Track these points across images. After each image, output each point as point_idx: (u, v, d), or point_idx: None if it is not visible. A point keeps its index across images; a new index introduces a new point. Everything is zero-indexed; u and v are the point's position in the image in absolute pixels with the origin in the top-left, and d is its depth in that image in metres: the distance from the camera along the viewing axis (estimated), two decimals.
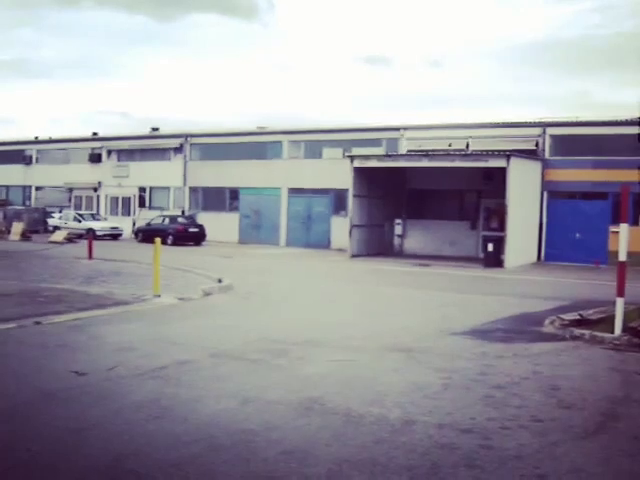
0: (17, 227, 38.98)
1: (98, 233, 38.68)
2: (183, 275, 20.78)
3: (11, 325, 12.24)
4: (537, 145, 32.10)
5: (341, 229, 33.11)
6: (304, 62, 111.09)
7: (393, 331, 12.77)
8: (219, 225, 40.08)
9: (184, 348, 10.79)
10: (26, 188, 52.75)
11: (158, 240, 17.28)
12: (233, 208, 41.46)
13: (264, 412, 7.65)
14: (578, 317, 13.73)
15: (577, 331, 12.78)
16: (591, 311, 14.28)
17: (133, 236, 40.11)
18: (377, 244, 32.53)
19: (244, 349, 10.86)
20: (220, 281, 19.17)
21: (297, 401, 8.08)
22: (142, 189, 46.15)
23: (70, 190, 49.66)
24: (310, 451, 6.51)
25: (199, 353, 10.43)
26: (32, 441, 6.59)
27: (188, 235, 37.68)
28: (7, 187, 53.19)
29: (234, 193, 41.56)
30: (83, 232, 38.20)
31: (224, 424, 7.19)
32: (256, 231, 39.86)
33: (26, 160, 52.75)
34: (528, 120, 33.15)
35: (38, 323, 12.52)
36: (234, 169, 40.50)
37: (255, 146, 41.09)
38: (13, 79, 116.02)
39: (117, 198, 47.48)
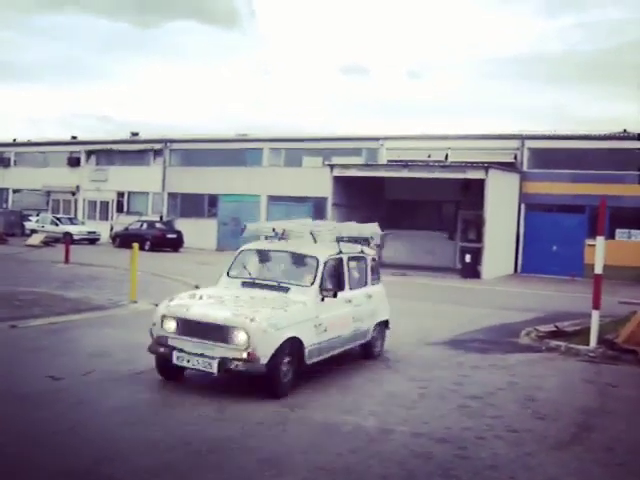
0: None
1: (75, 237, 38.31)
2: (160, 281, 20.69)
3: None
4: (516, 158, 32.28)
5: None
6: (283, 70, 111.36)
7: None
8: (197, 231, 39.89)
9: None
10: (3, 191, 52.25)
11: (136, 246, 17.14)
12: (212, 215, 41.30)
13: (241, 419, 7.64)
14: (554, 329, 13.84)
15: (553, 343, 12.88)
16: (567, 323, 14.41)
17: (110, 241, 39.78)
18: None
19: None
20: (197, 287, 19.07)
21: (274, 409, 8.08)
22: (120, 194, 45.85)
23: (48, 193, 49.24)
24: (286, 459, 6.51)
25: None
26: (8, 444, 6.54)
27: (166, 241, 37.45)
28: None
29: (213, 200, 41.39)
30: (60, 236, 37.81)
31: (200, 431, 7.17)
32: (234, 238, 39.66)
33: (4, 162, 52.26)
34: (507, 133, 33.32)
35: (14, 327, 12.42)
36: (214, 176, 40.37)
37: (235, 153, 40.99)
38: None
39: (95, 202, 47.15)
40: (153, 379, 9.17)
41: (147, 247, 34.80)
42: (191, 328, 8.61)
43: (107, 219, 45.51)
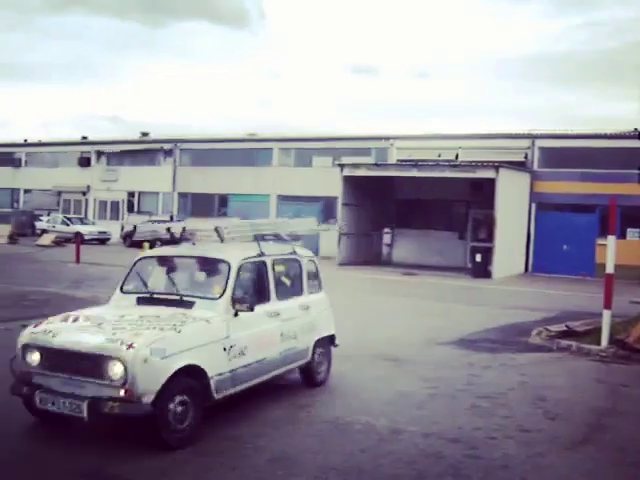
0: (4, 230, 38.72)
1: (86, 237, 38.43)
2: None
3: None
4: (526, 157, 32.19)
5: (330, 237, 33.11)
6: (293, 70, 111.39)
7: (380, 340, 12.77)
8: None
9: None
10: (14, 191, 52.42)
11: (146, 245, 17.13)
12: (222, 214, 41.35)
13: (251, 418, 7.65)
14: (565, 329, 13.78)
15: (564, 342, 12.83)
16: (578, 323, 14.33)
17: (121, 241, 39.94)
18: (365, 253, 32.51)
19: None
20: None
21: (284, 408, 8.08)
22: (131, 194, 45.98)
23: (59, 194, 49.40)
24: (297, 459, 6.51)
25: None
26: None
27: (176, 240, 37.48)
28: None
29: (223, 199, 41.48)
30: (71, 236, 37.94)
31: (210, 429, 7.17)
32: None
33: (15, 163, 52.45)
34: (517, 132, 33.23)
35: (25, 326, 12.43)
36: (223, 175, 40.43)
37: (245, 153, 41.04)
38: (3, 82, 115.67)
39: (106, 202, 47.28)
40: None
41: (157, 246, 34.83)
42: (58, 360, 6.78)
43: (118, 219, 45.60)
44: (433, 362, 11.21)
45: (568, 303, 19.65)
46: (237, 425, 7.41)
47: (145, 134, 48.19)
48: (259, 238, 8.61)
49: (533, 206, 31.83)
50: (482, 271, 27.75)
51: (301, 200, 37.44)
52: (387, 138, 36.04)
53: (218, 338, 7.25)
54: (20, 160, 52.68)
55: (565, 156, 31.64)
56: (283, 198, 38.60)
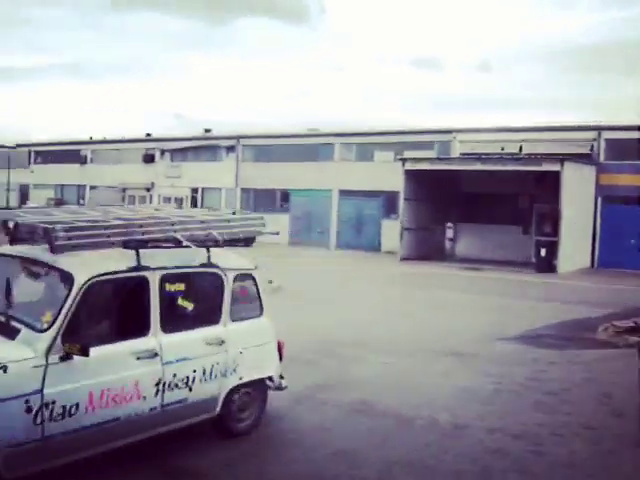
0: None
1: None
2: None
3: None
4: (592, 149, 31.57)
5: (391, 232, 32.98)
6: (354, 65, 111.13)
7: (442, 335, 12.73)
8: (270, 226, 40.11)
9: None
10: (80, 187, 53.62)
11: None
12: (284, 209, 41.61)
13: (314, 412, 7.71)
14: (632, 325, 13.51)
15: (631, 339, 12.57)
16: None
17: None
18: (428, 247, 32.32)
19: (296, 350, 10.91)
20: (270, 282, 19.25)
21: (347, 402, 8.12)
22: (194, 190, 46.59)
23: (123, 190, 50.37)
24: (360, 453, 6.55)
25: None
26: None
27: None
28: (62, 186, 54.11)
29: (285, 195, 41.69)
30: None
31: (275, 423, 7.26)
32: (306, 233, 39.94)
33: (81, 160, 53.72)
34: (583, 124, 32.62)
35: None
36: (285, 171, 40.61)
37: (306, 148, 41.15)
38: (69, 81, 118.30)
39: (169, 198, 47.95)
40: None
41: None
42: None
43: None
44: (497, 358, 11.12)
45: (635, 299, 19.24)
46: (300, 419, 7.48)
47: (208, 130, 48.75)
48: (131, 245, 6.06)
49: (599, 199, 31.20)
50: (547, 266, 27.34)
51: (362, 195, 37.46)
52: (450, 131, 35.71)
53: (17, 393, 5.14)
54: (86, 157, 53.89)
55: (632, 148, 30.92)
56: (344, 193, 38.63)
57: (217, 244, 6.72)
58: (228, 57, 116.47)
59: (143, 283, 5.99)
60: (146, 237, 6.37)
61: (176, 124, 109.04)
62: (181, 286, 6.31)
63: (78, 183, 53.67)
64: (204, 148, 46.78)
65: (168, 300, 6.20)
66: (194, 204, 46.29)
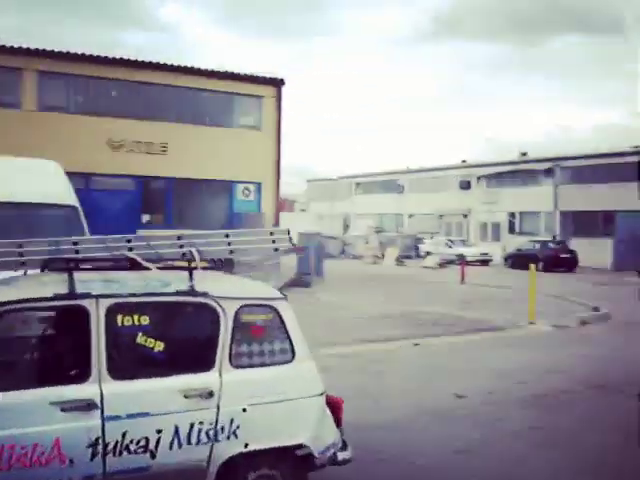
0: (391, 252, 41.04)
1: (468, 259, 39.03)
2: (556, 302, 20.23)
3: (393, 345, 12.95)
4: None
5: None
6: None
7: None
8: (591, 250, 38.31)
9: (563, 377, 10.49)
10: (398, 216, 55.62)
11: (532, 266, 17.31)
12: (606, 233, 39.54)
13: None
14: None
15: None
16: None
17: (503, 262, 40.03)
18: None
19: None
20: (596, 309, 18.37)
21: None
22: (511, 214, 46.11)
23: (440, 217, 51.30)
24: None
25: (579, 384, 10.05)
26: (417, 455, 6.86)
27: (560, 261, 36.62)
28: (381, 215, 56.50)
29: (608, 217, 39.64)
30: (454, 258, 39.01)
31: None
32: (633, 257, 37.53)
33: (398, 189, 55.78)
34: None
35: (417, 345, 13.05)
36: (607, 192, 38.69)
37: (629, 167, 38.84)
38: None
39: (486, 224, 47.94)
40: (557, 402, 8.98)
41: (540, 267, 34.36)
42: None
43: (498, 240, 45.91)
44: None
45: None
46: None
47: (524, 154, 48.08)
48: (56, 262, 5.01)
49: None
50: None
51: None
52: None
53: None
54: (403, 186, 55.77)
55: None
56: None
57: (190, 265, 5.15)
58: (538, 78, 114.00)
59: (80, 314, 4.67)
60: (80, 256, 5.24)
61: (487, 148, 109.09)
62: (144, 319, 4.84)
63: (395, 212, 55.64)
64: (520, 172, 46.16)
65: (122, 337, 4.81)
66: (511, 229, 45.75)
